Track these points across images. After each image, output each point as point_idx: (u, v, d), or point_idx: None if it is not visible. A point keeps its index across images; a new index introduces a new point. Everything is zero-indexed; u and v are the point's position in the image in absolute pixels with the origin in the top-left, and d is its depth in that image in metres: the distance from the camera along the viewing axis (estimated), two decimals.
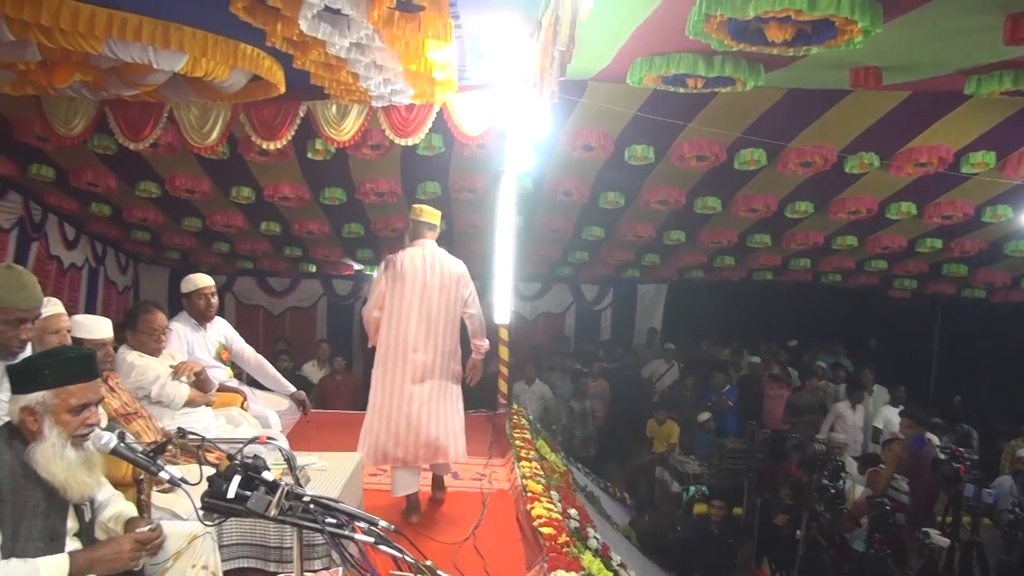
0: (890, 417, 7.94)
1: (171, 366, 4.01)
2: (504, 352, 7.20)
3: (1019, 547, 4.45)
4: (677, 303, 12.78)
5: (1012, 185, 7.08)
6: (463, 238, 9.54)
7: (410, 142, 5.90)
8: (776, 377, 9.60)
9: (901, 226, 8.47)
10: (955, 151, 6.68)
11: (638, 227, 9.00)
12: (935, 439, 6.51)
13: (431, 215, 4.68)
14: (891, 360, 11.98)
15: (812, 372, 9.88)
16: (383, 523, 2.05)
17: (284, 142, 5.94)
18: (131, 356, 3.94)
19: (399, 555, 1.98)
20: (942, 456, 4.86)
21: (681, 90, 5.17)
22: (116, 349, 3.86)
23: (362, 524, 2.03)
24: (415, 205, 4.83)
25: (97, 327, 3.54)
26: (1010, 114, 6.10)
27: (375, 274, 11.47)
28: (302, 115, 5.83)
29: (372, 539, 1.98)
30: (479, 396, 8.56)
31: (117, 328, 3.76)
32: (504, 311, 6.76)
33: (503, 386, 7.25)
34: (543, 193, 7.99)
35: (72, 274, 9.13)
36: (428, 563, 2.02)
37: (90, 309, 9.35)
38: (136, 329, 4.01)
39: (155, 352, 4.03)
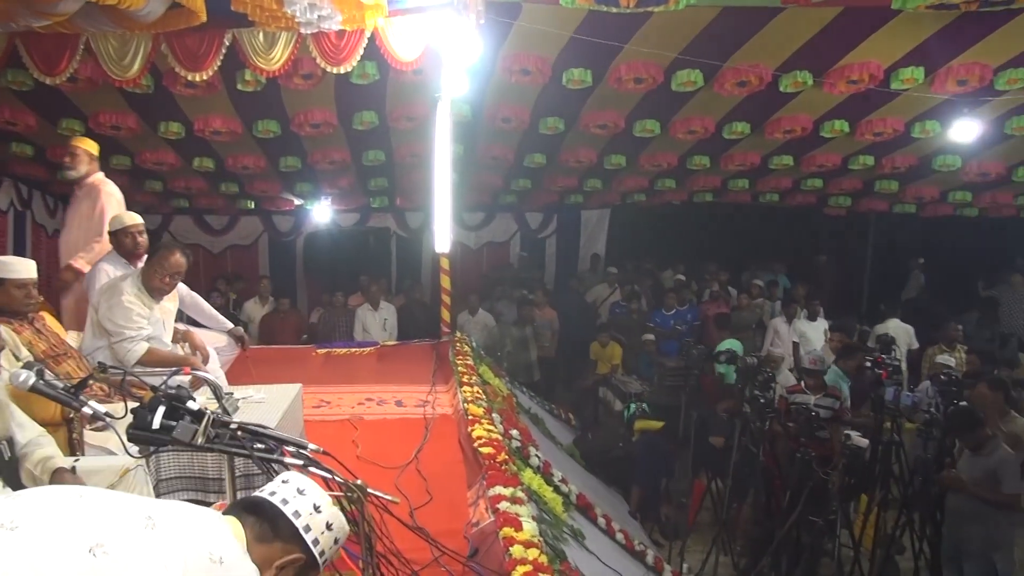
0: (805, 331, 8.22)
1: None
2: (445, 281, 7.22)
3: (934, 444, 4.74)
4: (620, 228, 12.90)
5: (940, 100, 7.23)
6: (403, 168, 9.44)
7: (343, 70, 5.73)
8: (716, 295, 9.84)
9: (835, 144, 8.62)
10: (885, 67, 6.77)
11: (579, 152, 9.00)
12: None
13: None
14: (828, 275, 12.39)
15: (748, 290, 10.15)
16: (312, 446, 2.08)
17: (210, 73, 5.72)
18: (128, 294, 4.00)
19: (329, 476, 2.02)
20: (867, 363, 5.11)
21: (614, 9, 5.12)
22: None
23: (291, 448, 2.06)
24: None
25: (21, 267, 3.47)
26: (938, 28, 6.20)
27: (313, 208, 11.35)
28: (228, 44, 5.61)
29: (301, 462, 2.02)
30: (423, 325, 8.66)
31: None
32: (444, 240, 6.75)
33: (445, 315, 7.31)
34: (482, 120, 7.91)
35: None
36: (358, 482, 2.06)
37: (19, 254, 9.05)
38: (152, 260, 4.14)
39: (156, 291, 4.13)
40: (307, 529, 1.60)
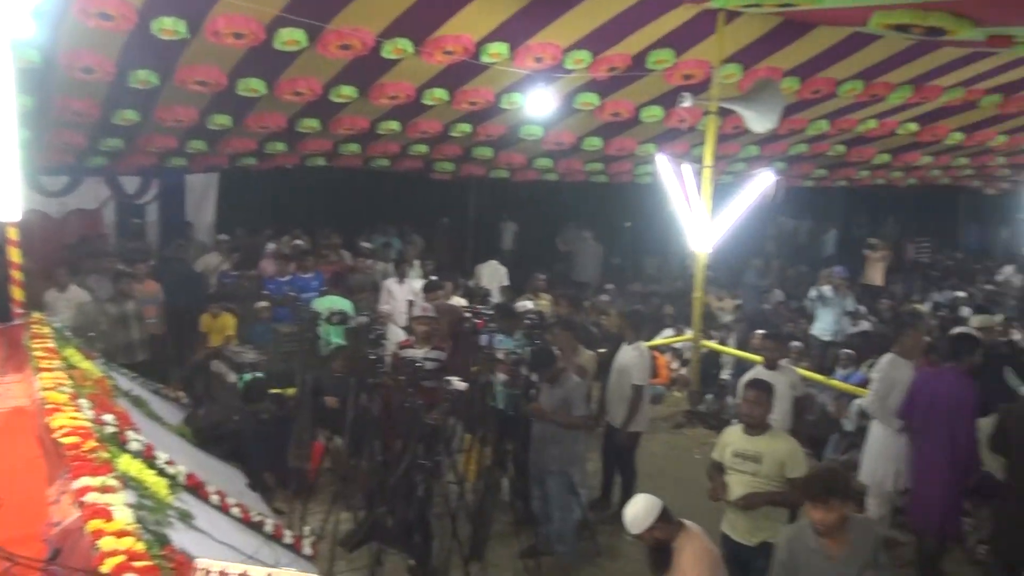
0: (417, 289, 8.75)
1: None
2: (15, 254, 6.19)
3: (522, 381, 5.40)
4: (231, 193, 12.29)
5: (522, 75, 8.07)
6: None
7: None
8: (328, 261, 9.89)
9: (436, 112, 9.13)
10: (476, 41, 7.34)
11: (178, 110, 8.30)
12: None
13: None
14: (447, 236, 13.23)
15: (361, 253, 10.41)
16: None
17: None
18: None
19: None
20: (466, 314, 5.59)
21: None
22: None
23: None
24: None
25: None
26: (519, 7, 6.88)
27: None
28: None
29: None
30: None
31: None
32: (11, 207, 5.76)
33: (17, 293, 6.28)
34: (57, 69, 6.89)
35: None
36: None
37: None
38: None
39: None
40: None
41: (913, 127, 11.04)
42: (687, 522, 3.82)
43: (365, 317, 5.76)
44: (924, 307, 12.12)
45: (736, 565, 4.54)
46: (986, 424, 5.24)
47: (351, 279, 9.23)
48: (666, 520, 3.74)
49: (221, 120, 8.69)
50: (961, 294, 12.96)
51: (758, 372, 5.90)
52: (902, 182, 15.48)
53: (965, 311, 10.83)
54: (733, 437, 4.61)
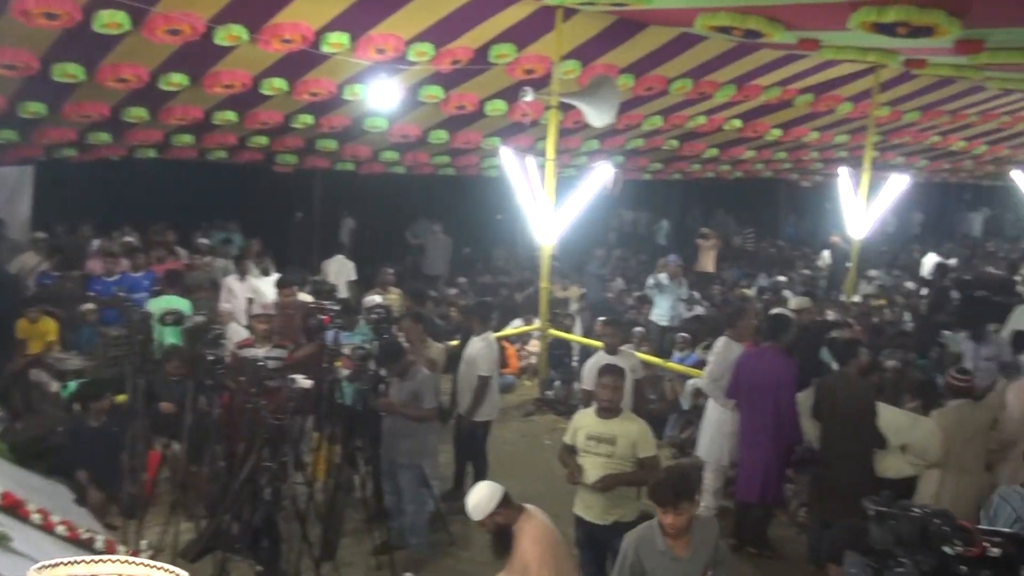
0: (258, 286, 8.48)
1: None
2: None
3: (369, 376, 5.35)
4: (49, 187, 11.30)
5: (364, 66, 7.95)
6: None
7: None
8: (162, 259, 9.32)
9: (276, 102, 8.83)
10: (315, 30, 7.16)
11: None
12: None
13: None
14: (278, 230, 12.80)
15: (199, 249, 9.91)
16: None
17: None
18: None
19: None
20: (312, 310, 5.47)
21: None
22: None
23: None
24: None
25: None
26: None
27: None
28: None
29: None
30: None
31: None
32: None
33: None
34: None
35: None
36: None
37: None
38: None
39: None
40: None
41: (737, 123, 11.85)
42: (528, 506, 3.93)
43: (202, 317, 5.50)
44: (751, 292, 13.04)
45: (592, 545, 4.71)
46: (804, 397, 5.73)
47: (187, 277, 8.74)
48: (507, 505, 3.84)
49: (35, 108, 7.99)
50: (783, 279, 14.07)
51: (600, 357, 6.13)
52: (729, 175, 16.55)
53: (787, 294, 11.76)
54: (586, 421, 4.71)
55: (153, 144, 10.26)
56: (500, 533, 3.82)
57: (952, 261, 15.27)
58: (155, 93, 7.96)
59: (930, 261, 14.13)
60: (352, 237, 14.37)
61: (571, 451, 4.75)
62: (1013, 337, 7.97)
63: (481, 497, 3.83)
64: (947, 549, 1.98)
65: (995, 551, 2.01)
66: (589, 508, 4.65)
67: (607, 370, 4.80)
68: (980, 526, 2.08)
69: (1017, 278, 13.27)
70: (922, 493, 5.31)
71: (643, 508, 4.55)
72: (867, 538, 2.09)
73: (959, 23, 5.66)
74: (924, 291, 12.28)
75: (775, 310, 7.29)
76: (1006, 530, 2.09)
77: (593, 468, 4.57)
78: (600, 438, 4.58)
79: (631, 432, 4.60)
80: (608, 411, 4.64)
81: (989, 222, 23.54)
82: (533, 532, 3.78)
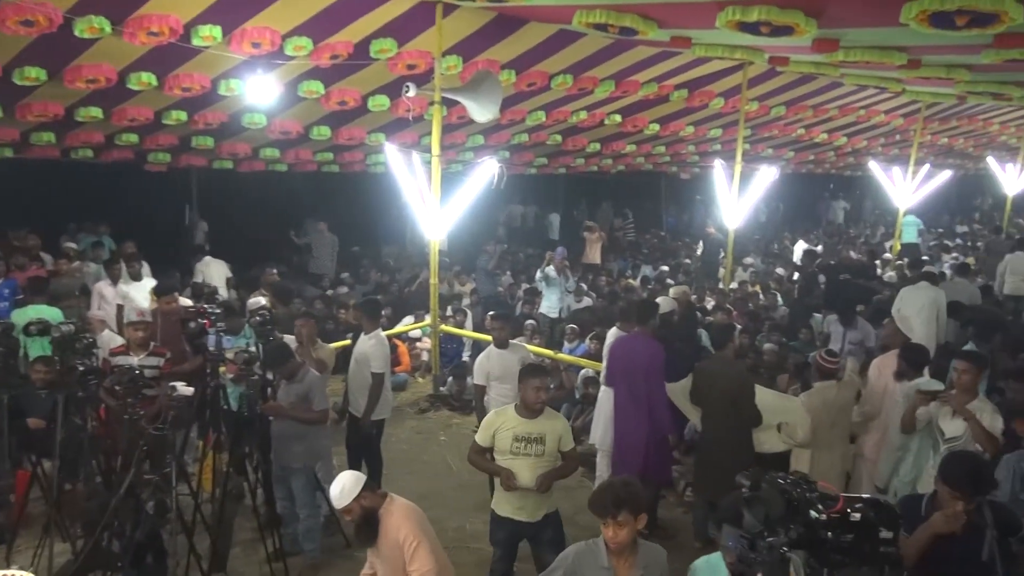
0: (129, 291, 8.09)
1: None
2: None
3: (255, 380, 5.20)
4: None
5: (239, 60, 7.68)
6: None
7: None
8: (22, 266, 8.66)
9: (145, 97, 8.41)
10: (184, 22, 6.86)
11: None
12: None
13: None
14: (152, 232, 12.19)
15: (64, 254, 9.32)
16: None
17: None
18: None
19: None
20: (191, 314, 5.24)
21: None
22: None
23: None
24: None
25: None
26: None
27: None
28: None
29: None
30: None
31: None
32: None
33: None
34: None
35: None
36: None
37: None
38: None
39: None
40: None
41: (618, 118, 12.17)
42: (390, 492, 4.00)
43: (71, 325, 5.18)
44: (635, 282, 13.47)
45: (512, 543, 4.67)
46: (686, 382, 5.94)
47: (54, 284, 8.17)
48: (371, 490, 3.88)
49: None
50: (665, 268, 14.62)
51: (490, 352, 6.17)
52: (612, 169, 17.00)
53: (670, 283, 12.21)
54: (508, 421, 4.57)
55: (9, 143, 9.59)
56: (366, 518, 3.85)
57: (819, 248, 16.26)
58: (9, 88, 7.44)
59: (799, 248, 14.99)
60: (208, 239, 13.88)
61: (482, 452, 4.67)
62: (950, 307, 8.34)
63: (345, 483, 3.85)
64: (812, 513, 2.12)
65: (856, 515, 2.17)
66: (521, 509, 4.56)
67: (533, 371, 4.67)
68: (844, 493, 2.23)
69: (877, 263, 14.30)
70: (795, 468, 5.61)
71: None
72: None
73: (815, 23, 6.05)
74: (795, 276, 13.00)
75: (637, 297, 7.50)
76: (866, 495, 2.26)
77: (525, 469, 4.48)
78: (529, 438, 4.51)
79: (557, 428, 4.59)
80: (531, 410, 4.55)
81: (850, 210, 25.23)
82: (401, 511, 3.86)
